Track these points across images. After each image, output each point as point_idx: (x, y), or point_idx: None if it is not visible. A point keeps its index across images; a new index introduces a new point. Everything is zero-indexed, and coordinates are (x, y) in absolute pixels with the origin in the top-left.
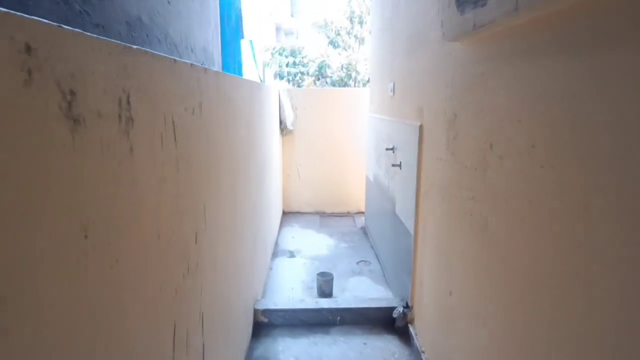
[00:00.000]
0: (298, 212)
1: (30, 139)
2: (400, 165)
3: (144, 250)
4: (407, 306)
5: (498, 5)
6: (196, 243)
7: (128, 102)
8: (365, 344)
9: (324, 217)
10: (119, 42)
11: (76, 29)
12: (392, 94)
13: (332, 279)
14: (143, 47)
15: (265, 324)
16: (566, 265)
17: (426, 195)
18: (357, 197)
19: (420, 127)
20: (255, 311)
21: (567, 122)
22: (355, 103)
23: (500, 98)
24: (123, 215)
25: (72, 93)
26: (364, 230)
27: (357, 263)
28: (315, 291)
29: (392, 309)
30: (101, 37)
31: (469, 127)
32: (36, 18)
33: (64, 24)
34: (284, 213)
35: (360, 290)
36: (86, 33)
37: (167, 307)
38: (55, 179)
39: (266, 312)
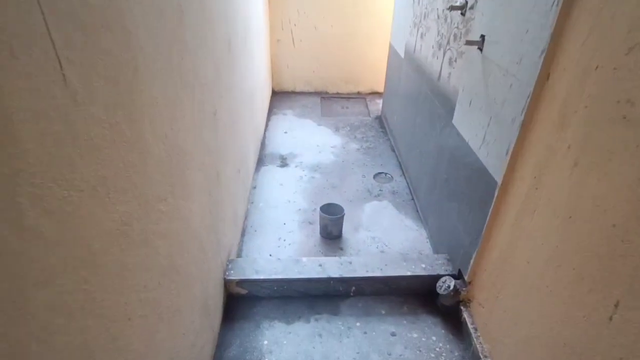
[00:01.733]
0: (292, 92)
1: None
2: (481, 44)
3: None
4: (459, 276)
5: None
6: None
7: None
8: (393, 334)
9: (326, 100)
10: None
11: None
12: None
13: (342, 217)
14: None
15: (244, 297)
16: None
17: (562, 125)
18: (372, 72)
19: None
20: (227, 282)
21: None
22: None
23: None
24: None
25: None
26: (381, 122)
27: (375, 177)
28: (317, 227)
29: (435, 277)
30: None
31: None
32: None
33: None
34: (274, 93)
35: (381, 228)
36: None
37: None
38: None
39: (244, 282)
